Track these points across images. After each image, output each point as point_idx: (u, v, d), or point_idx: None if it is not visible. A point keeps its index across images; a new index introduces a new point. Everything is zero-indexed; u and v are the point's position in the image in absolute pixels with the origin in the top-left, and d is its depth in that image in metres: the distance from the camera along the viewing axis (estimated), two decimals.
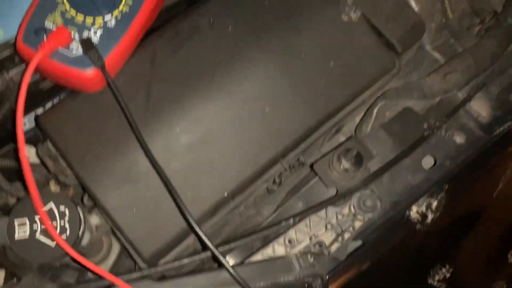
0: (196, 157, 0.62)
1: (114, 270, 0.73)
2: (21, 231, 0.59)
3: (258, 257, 0.62)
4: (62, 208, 0.60)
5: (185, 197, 0.57)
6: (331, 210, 0.65)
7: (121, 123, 0.60)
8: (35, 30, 0.58)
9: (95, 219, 0.67)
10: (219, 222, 0.66)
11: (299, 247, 0.63)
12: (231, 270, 0.56)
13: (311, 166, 0.68)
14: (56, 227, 0.59)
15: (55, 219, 0.60)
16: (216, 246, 0.57)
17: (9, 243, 0.59)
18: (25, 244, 0.59)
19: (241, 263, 0.62)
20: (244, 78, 0.66)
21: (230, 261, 0.66)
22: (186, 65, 0.64)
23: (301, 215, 0.63)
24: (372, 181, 0.67)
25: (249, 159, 0.64)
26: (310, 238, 0.64)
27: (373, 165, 0.69)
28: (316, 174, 0.67)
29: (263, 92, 0.66)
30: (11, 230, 0.59)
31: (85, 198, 0.65)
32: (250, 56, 0.66)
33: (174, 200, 0.57)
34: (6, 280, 0.59)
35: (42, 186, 0.70)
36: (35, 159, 0.72)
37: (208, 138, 0.63)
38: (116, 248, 0.78)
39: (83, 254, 0.66)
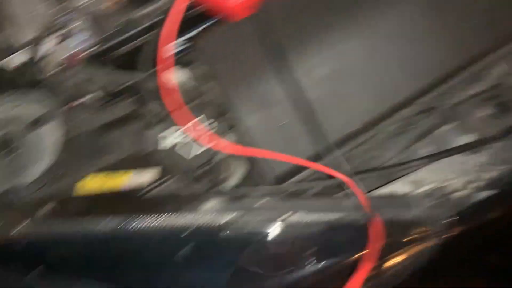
0: (331, 89, 0.64)
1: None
2: (165, 142, 0.67)
3: (380, 192, 0.64)
4: (207, 122, 0.67)
5: (316, 125, 0.60)
6: (465, 156, 0.64)
7: (264, 50, 0.63)
8: None
9: (231, 138, 0.73)
10: (343, 156, 0.68)
11: (424, 189, 0.63)
12: (357, 198, 0.59)
13: (448, 110, 0.67)
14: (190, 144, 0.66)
15: (201, 131, 0.66)
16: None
17: (154, 152, 0.68)
18: (166, 154, 0.67)
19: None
20: (388, 13, 0.64)
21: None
22: None
23: (432, 158, 0.63)
24: None
25: (382, 97, 0.65)
26: (438, 182, 0.63)
27: None
28: (453, 119, 0.65)
29: (405, 29, 0.64)
30: (156, 140, 0.67)
31: (225, 118, 0.71)
32: None
33: (309, 125, 0.60)
34: (157, 178, 0.68)
35: (188, 103, 0.77)
36: (181, 80, 0.80)
37: (345, 71, 0.64)
38: (241, 169, 0.85)
39: (212, 169, 0.73)
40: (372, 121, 0.65)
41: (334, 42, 0.64)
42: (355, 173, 0.62)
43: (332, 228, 0.59)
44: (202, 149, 0.68)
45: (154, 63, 0.78)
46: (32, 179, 0.70)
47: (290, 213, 0.57)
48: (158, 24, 0.71)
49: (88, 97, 0.80)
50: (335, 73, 0.64)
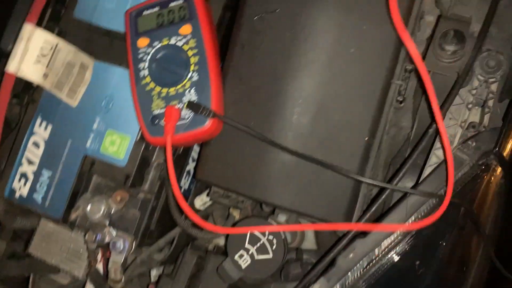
0: (321, 127, 0.66)
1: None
2: (244, 260, 0.71)
3: (427, 171, 0.66)
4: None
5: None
6: (463, 91, 0.66)
7: (251, 142, 0.67)
8: (151, 122, 0.68)
9: (282, 218, 0.77)
10: (374, 160, 0.71)
11: (456, 140, 0.66)
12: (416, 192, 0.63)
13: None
14: (266, 244, 0.70)
15: (260, 238, 0.71)
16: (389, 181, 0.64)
17: (242, 274, 0.72)
18: (252, 268, 0.71)
19: (417, 182, 0.67)
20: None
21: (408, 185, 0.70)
22: (269, 63, 0.68)
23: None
24: (483, 41, 0.66)
25: (363, 99, 0.67)
26: (461, 127, 0.66)
27: (475, 27, 0.67)
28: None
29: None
30: (236, 264, 0.71)
31: (263, 207, 0.76)
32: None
33: (331, 170, 0.64)
34: None
35: (227, 217, 0.82)
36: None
37: (321, 108, 0.66)
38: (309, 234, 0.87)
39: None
40: (374, 119, 0.67)
41: (297, 97, 0.67)
42: (394, 176, 0.65)
43: None
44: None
45: None
46: None
47: None
48: None
49: None
50: (316, 115, 0.66)
